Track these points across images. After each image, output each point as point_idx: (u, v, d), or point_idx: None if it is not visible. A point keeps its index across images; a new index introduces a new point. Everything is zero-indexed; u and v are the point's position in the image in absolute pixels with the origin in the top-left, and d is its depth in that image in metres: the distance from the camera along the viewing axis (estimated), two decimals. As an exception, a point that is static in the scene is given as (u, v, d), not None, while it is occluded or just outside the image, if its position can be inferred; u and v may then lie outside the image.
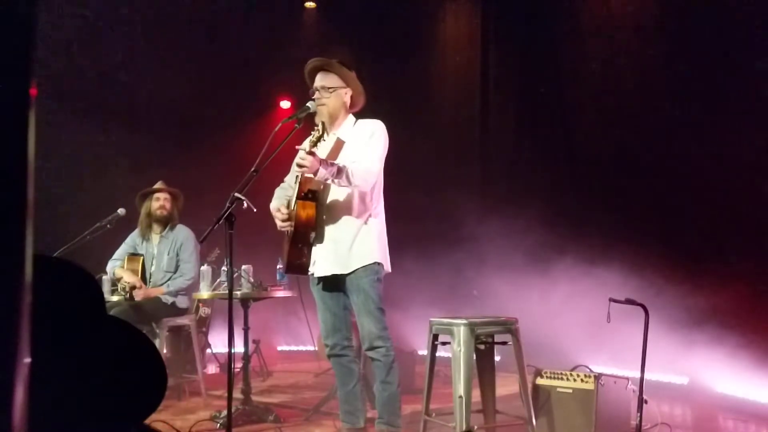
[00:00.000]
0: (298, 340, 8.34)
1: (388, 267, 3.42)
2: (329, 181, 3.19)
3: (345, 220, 3.31)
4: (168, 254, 5.10)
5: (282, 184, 3.59)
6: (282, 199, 3.47)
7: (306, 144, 3.11)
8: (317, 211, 3.31)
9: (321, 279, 3.39)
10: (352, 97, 3.44)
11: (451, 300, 5.95)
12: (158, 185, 5.22)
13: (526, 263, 5.57)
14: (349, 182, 3.17)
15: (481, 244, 6.60)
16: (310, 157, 3.04)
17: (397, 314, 6.00)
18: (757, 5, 4.92)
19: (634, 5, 5.94)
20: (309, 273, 3.41)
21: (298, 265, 3.37)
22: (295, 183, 3.39)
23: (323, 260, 3.34)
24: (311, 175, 3.15)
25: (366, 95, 3.49)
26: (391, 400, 3.32)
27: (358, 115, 3.50)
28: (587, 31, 6.31)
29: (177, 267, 5.10)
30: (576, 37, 6.44)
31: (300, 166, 3.08)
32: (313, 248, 3.37)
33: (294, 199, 3.31)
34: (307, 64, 3.45)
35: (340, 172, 3.11)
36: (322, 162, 3.08)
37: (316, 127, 3.18)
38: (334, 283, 3.37)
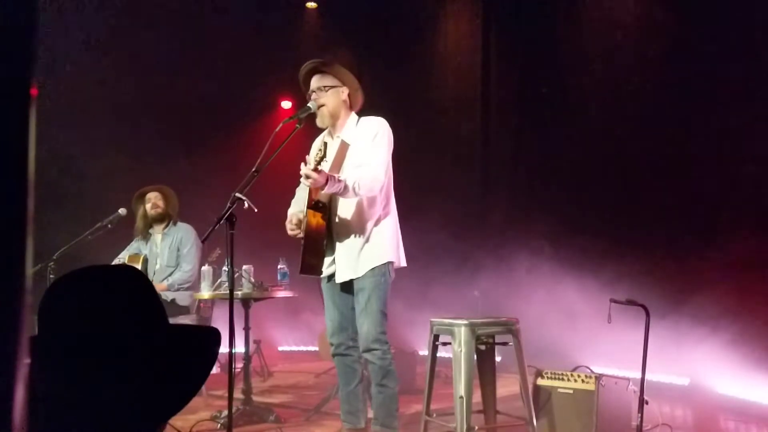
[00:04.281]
0: (299, 340, 8.35)
1: (401, 262, 3.43)
2: (337, 195, 3.23)
3: (356, 225, 3.33)
4: (169, 248, 5.16)
5: (296, 197, 3.60)
6: (300, 204, 3.48)
7: (311, 162, 3.13)
8: (328, 219, 3.33)
9: (332, 278, 3.40)
10: (349, 95, 3.44)
11: (452, 300, 5.95)
12: (147, 187, 5.27)
13: (527, 263, 5.57)
14: (356, 194, 3.20)
15: (482, 244, 6.60)
16: (315, 175, 3.05)
17: (397, 315, 6.00)
18: (757, 3, 4.91)
19: (635, 4, 5.94)
20: (323, 275, 3.42)
21: (310, 268, 3.39)
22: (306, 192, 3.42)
23: (340, 265, 3.36)
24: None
25: (365, 95, 3.49)
26: (386, 403, 3.31)
27: (361, 113, 3.51)
28: (589, 31, 6.31)
29: (177, 262, 5.15)
30: (577, 37, 6.44)
31: (302, 180, 3.12)
32: (328, 255, 3.39)
33: (305, 207, 3.34)
34: (302, 69, 3.46)
35: (346, 188, 3.14)
36: (330, 178, 3.10)
37: (319, 150, 3.20)
38: (346, 285, 3.38)
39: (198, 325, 1.20)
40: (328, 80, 3.40)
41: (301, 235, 3.35)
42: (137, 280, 1.19)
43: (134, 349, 1.12)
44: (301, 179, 3.15)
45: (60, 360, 1.08)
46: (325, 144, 3.32)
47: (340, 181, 3.13)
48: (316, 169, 3.07)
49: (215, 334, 1.23)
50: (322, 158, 3.17)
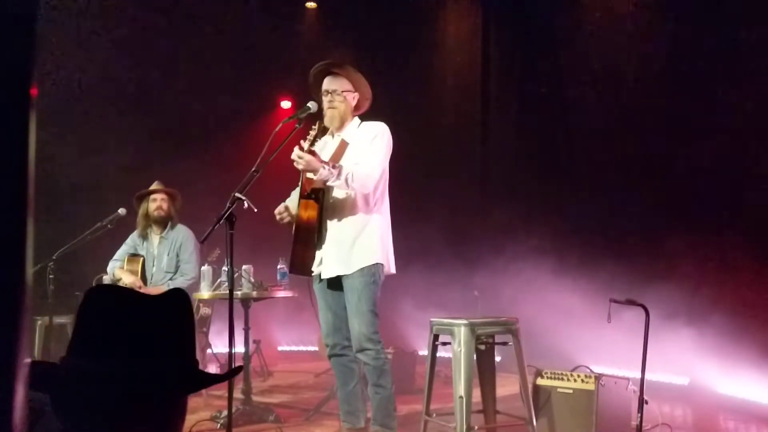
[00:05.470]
0: (299, 340, 8.35)
1: (391, 268, 3.42)
2: (329, 183, 3.21)
3: (347, 221, 3.32)
4: (168, 255, 5.09)
5: (290, 198, 3.60)
6: (294, 201, 3.48)
7: (306, 143, 3.12)
8: (320, 212, 3.32)
9: (322, 279, 3.40)
10: (358, 100, 3.45)
11: (451, 300, 5.95)
12: (155, 186, 5.20)
13: (527, 263, 5.57)
14: (348, 186, 3.19)
15: (482, 244, 6.60)
16: (308, 156, 3.05)
17: (398, 315, 6.00)
18: (757, 3, 4.91)
19: (635, 3, 5.94)
20: (313, 274, 3.42)
21: (300, 266, 3.38)
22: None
23: (328, 260, 3.35)
24: (313, 175, 3.17)
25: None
26: (384, 403, 3.31)
27: (362, 116, 3.51)
28: (588, 30, 6.31)
29: (177, 267, 5.10)
30: (577, 36, 6.43)
31: (295, 162, 3.10)
32: (318, 249, 3.38)
33: (298, 200, 3.34)
34: (317, 66, 3.45)
35: (340, 174, 3.12)
36: (324, 163, 3.09)
37: (312, 127, 3.19)
38: (336, 283, 3.37)
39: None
40: (344, 84, 3.40)
41: (288, 218, 3.34)
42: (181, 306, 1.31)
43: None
44: (294, 156, 3.12)
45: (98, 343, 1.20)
46: (320, 123, 3.30)
47: (335, 167, 3.13)
48: (310, 151, 3.07)
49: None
50: (315, 137, 3.15)
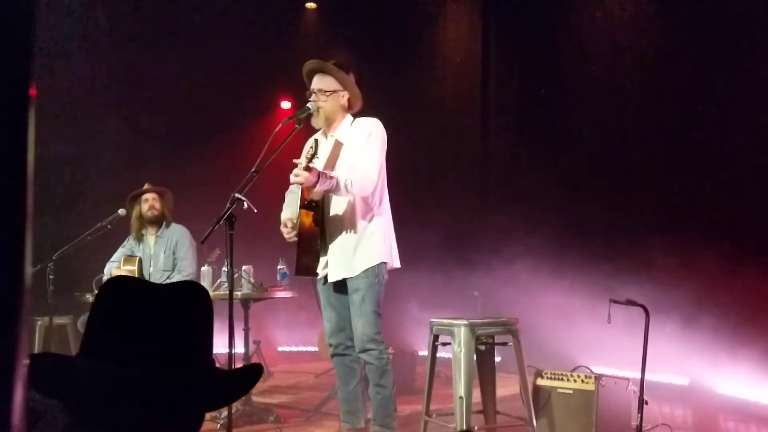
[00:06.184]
0: (299, 340, 8.35)
1: (395, 263, 3.43)
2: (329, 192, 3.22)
3: (349, 224, 3.33)
4: (164, 253, 5.10)
5: (291, 187, 3.59)
6: (293, 207, 3.47)
7: (302, 160, 3.12)
8: (321, 218, 3.33)
9: (327, 280, 3.40)
10: (349, 99, 3.45)
11: (451, 301, 5.95)
12: (145, 187, 5.21)
13: (527, 263, 5.57)
14: (348, 192, 3.20)
15: (482, 245, 6.60)
16: (305, 174, 3.05)
17: (398, 315, 6.00)
18: (756, 3, 4.91)
19: (635, 3, 5.94)
20: (319, 276, 3.42)
21: (306, 269, 3.39)
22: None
23: (333, 265, 3.36)
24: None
25: (364, 97, 3.49)
26: (385, 403, 3.32)
27: (359, 114, 3.51)
28: (588, 30, 6.31)
29: (174, 265, 5.11)
30: (577, 36, 6.43)
31: (295, 182, 3.11)
32: (323, 255, 3.39)
33: (298, 209, 3.34)
34: (305, 66, 3.47)
35: (337, 185, 3.13)
36: (321, 176, 3.10)
37: (311, 148, 3.21)
38: (340, 284, 3.38)
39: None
40: (330, 83, 3.39)
41: (296, 239, 3.36)
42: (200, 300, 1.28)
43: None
44: (291, 178, 3.13)
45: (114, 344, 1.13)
46: (316, 141, 3.32)
47: (331, 177, 3.13)
48: (307, 167, 3.07)
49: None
50: (313, 155, 3.16)
